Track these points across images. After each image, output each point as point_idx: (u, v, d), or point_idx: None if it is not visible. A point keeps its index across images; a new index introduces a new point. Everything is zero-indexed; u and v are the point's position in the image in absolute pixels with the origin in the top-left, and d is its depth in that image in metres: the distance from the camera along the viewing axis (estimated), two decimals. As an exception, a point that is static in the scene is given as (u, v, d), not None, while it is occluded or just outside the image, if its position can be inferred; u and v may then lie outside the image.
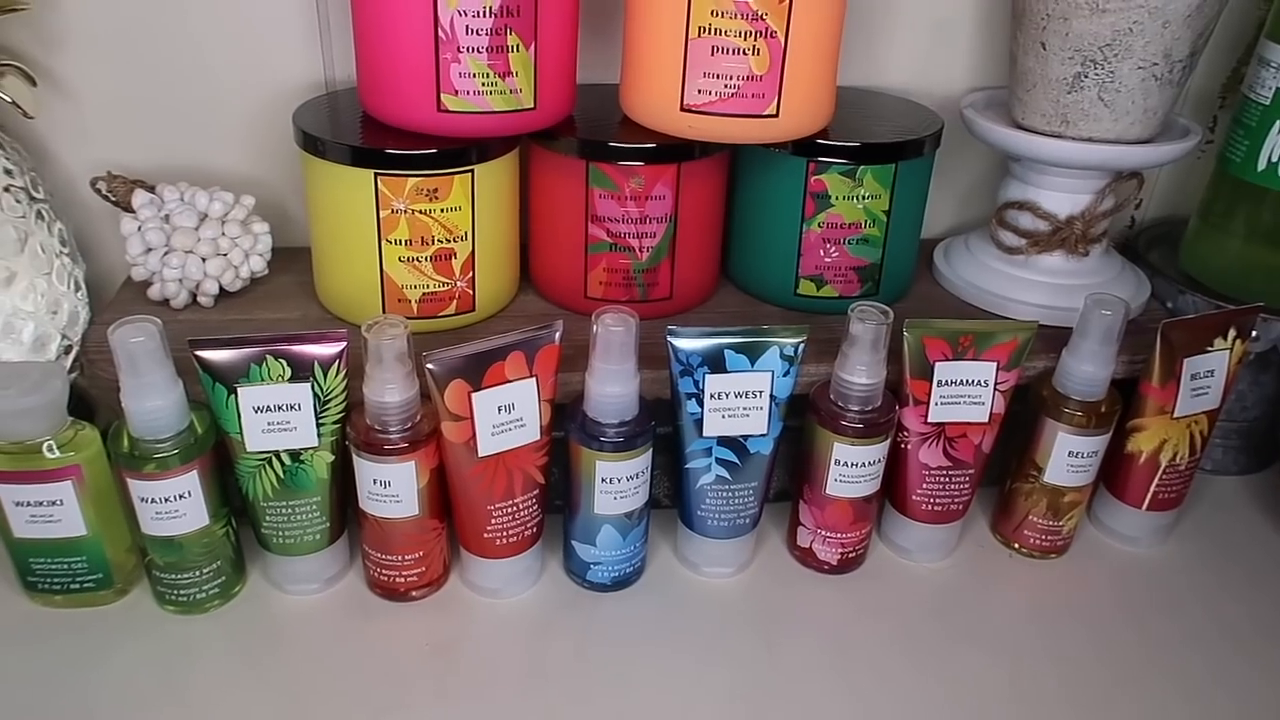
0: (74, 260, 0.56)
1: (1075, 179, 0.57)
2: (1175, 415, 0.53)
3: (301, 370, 0.45)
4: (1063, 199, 0.58)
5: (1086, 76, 0.53)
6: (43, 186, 0.56)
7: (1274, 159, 0.56)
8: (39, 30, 0.57)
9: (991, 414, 0.51)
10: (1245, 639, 0.50)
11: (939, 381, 0.50)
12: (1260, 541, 0.58)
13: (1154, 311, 0.60)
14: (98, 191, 0.57)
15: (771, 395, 0.48)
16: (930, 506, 0.53)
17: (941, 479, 0.52)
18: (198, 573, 0.48)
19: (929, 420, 0.51)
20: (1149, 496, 0.55)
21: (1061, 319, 0.56)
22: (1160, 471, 0.54)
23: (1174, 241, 0.66)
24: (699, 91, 0.50)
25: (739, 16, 0.48)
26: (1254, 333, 0.54)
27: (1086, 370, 0.50)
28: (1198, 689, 0.47)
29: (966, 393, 0.50)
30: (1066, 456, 0.52)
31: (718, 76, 0.49)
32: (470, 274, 0.54)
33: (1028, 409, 0.53)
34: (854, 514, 0.51)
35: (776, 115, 0.51)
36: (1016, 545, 0.56)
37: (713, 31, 0.48)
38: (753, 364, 0.48)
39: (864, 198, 0.55)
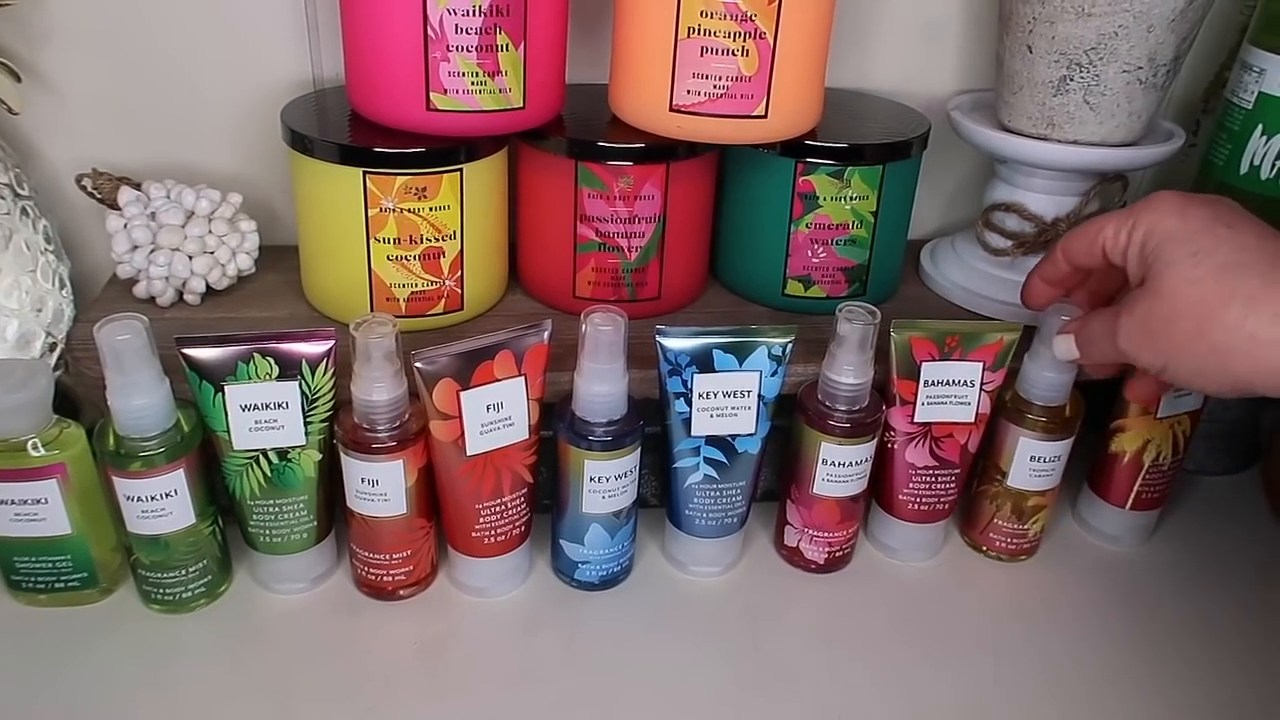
0: (59, 257, 0.56)
1: (1061, 181, 0.57)
2: (1159, 416, 0.53)
3: (289, 368, 0.45)
4: (1048, 201, 0.58)
5: (1072, 79, 0.54)
6: (27, 183, 0.55)
7: (1256, 163, 0.57)
8: (25, 26, 0.56)
9: (978, 414, 0.51)
10: (1227, 637, 0.51)
11: (925, 381, 0.50)
12: (1241, 541, 0.58)
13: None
14: (83, 188, 0.56)
15: (759, 395, 0.48)
16: (916, 506, 0.53)
17: (928, 479, 0.52)
18: (184, 572, 0.48)
19: (915, 420, 0.51)
20: (1132, 496, 0.55)
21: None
22: (1144, 471, 0.55)
23: (1157, 244, 0.67)
24: (688, 92, 0.50)
25: (728, 17, 0.48)
26: None
27: (1048, 376, 0.50)
28: (1180, 687, 0.48)
29: (952, 393, 0.51)
30: (1029, 461, 0.52)
31: (707, 77, 0.50)
32: (459, 273, 0.54)
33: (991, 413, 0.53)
34: (841, 513, 0.52)
35: (765, 116, 0.51)
36: (984, 549, 0.56)
37: (702, 32, 0.49)
38: (741, 364, 0.48)
39: (851, 199, 0.56)
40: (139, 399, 0.43)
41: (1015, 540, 0.55)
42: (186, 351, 0.44)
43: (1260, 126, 0.56)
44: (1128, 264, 0.42)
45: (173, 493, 0.45)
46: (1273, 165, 0.56)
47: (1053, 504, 0.54)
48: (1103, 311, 0.44)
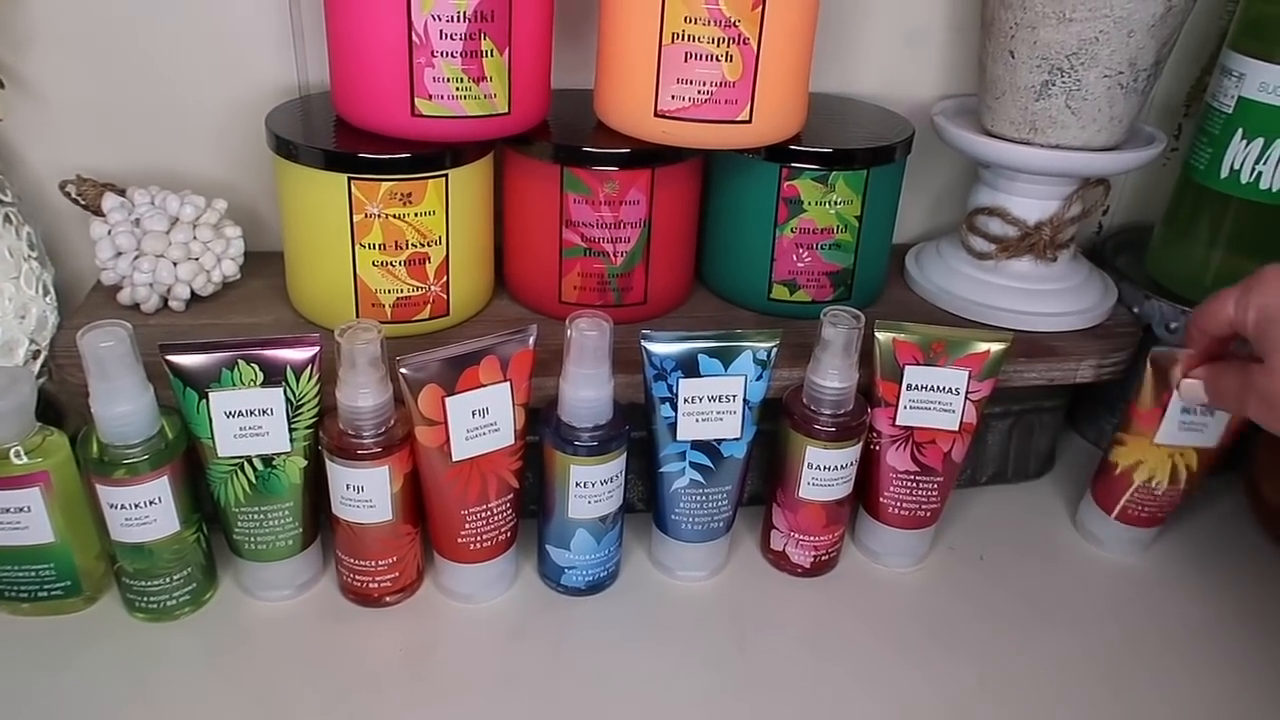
0: (42, 264, 0.55)
1: (1043, 185, 0.58)
2: (1155, 442, 0.53)
3: (274, 375, 0.45)
4: (1031, 205, 0.58)
5: (1054, 84, 0.54)
6: (10, 189, 0.55)
7: (1236, 167, 0.57)
8: (7, 31, 0.56)
9: (962, 423, 0.51)
10: (1215, 639, 0.51)
11: (908, 385, 0.51)
12: (1227, 541, 0.59)
13: (1121, 316, 0.61)
14: (67, 195, 0.56)
15: (745, 399, 0.48)
16: (898, 510, 0.53)
17: (909, 483, 0.53)
18: (168, 580, 0.47)
19: (896, 423, 0.51)
20: (1119, 508, 0.55)
21: (1030, 323, 0.57)
22: (1133, 489, 0.54)
23: (1140, 247, 0.67)
24: (673, 97, 0.50)
25: (712, 23, 0.48)
26: None
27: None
28: (1170, 690, 0.48)
29: (936, 399, 0.51)
30: None
31: (691, 82, 0.50)
32: (444, 278, 0.54)
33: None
34: (826, 517, 0.52)
35: (750, 121, 0.51)
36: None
37: (686, 38, 0.49)
38: (726, 368, 0.48)
39: (836, 203, 0.56)
40: (122, 406, 0.43)
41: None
42: (170, 358, 0.44)
43: (1240, 131, 0.57)
44: (1250, 339, 0.44)
45: (156, 500, 0.45)
46: (1253, 169, 0.57)
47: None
48: (1232, 367, 0.45)
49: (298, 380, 0.45)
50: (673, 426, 0.49)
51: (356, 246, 0.51)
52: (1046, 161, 0.56)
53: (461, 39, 0.48)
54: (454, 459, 0.46)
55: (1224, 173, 0.58)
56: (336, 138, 0.52)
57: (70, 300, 0.59)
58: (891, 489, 0.53)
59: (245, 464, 0.46)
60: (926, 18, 0.65)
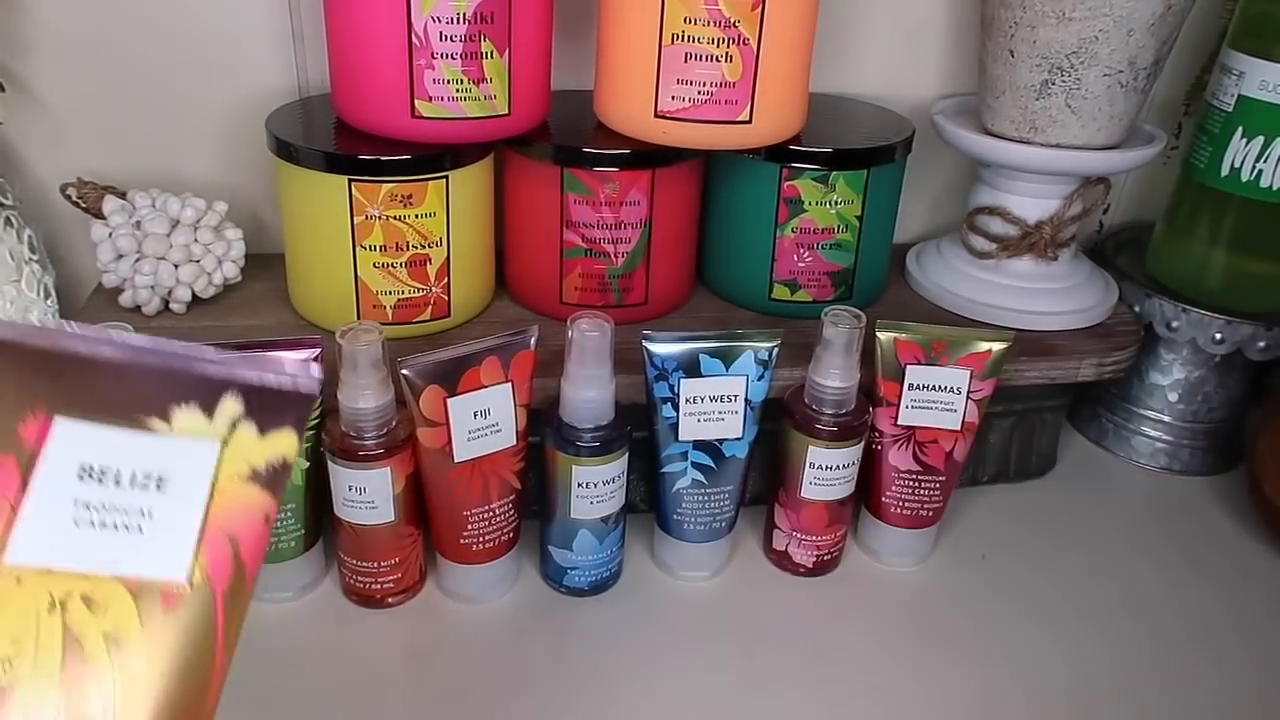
0: (43, 267, 0.55)
1: (1044, 184, 0.58)
2: None
3: (275, 377, 0.45)
4: (1032, 204, 0.58)
5: (1054, 83, 0.54)
6: (11, 193, 0.55)
7: (1236, 165, 0.57)
8: (7, 34, 0.56)
9: (965, 422, 0.51)
10: (1213, 636, 0.51)
11: (909, 385, 0.51)
12: (1226, 540, 0.59)
13: (1122, 315, 0.61)
14: (68, 198, 0.56)
15: (746, 399, 0.48)
16: (900, 510, 0.53)
17: (911, 483, 0.53)
18: (171, 581, 0.47)
19: (898, 423, 0.51)
20: None
21: (1031, 322, 0.57)
22: None
23: (1141, 246, 0.67)
24: (673, 98, 0.50)
25: (712, 24, 0.48)
26: None
27: None
28: (1165, 688, 0.48)
29: (938, 398, 0.51)
30: None
31: (691, 83, 0.50)
32: (445, 280, 0.54)
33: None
34: (829, 517, 0.52)
35: (750, 121, 0.51)
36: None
37: (686, 39, 0.49)
38: (727, 368, 0.48)
39: (837, 203, 0.56)
40: (124, 409, 0.43)
41: None
42: (172, 360, 0.44)
43: (1240, 129, 0.57)
44: None
45: (159, 502, 0.45)
46: (1253, 168, 0.57)
47: None
48: None
49: (299, 382, 0.45)
50: (674, 427, 0.49)
51: (357, 248, 0.51)
52: (1047, 160, 0.56)
53: (461, 40, 0.48)
54: (456, 460, 0.46)
55: (1224, 171, 0.58)
56: (337, 140, 0.52)
57: (71, 303, 0.59)
58: (893, 488, 0.53)
59: (247, 466, 0.46)
60: (926, 17, 0.65)
